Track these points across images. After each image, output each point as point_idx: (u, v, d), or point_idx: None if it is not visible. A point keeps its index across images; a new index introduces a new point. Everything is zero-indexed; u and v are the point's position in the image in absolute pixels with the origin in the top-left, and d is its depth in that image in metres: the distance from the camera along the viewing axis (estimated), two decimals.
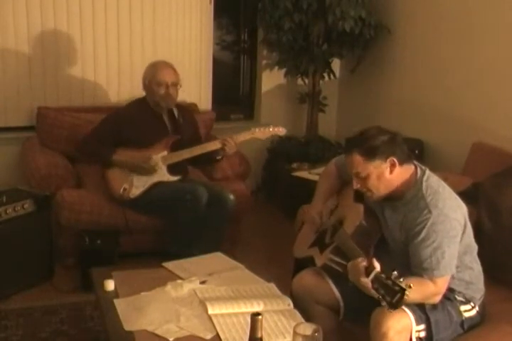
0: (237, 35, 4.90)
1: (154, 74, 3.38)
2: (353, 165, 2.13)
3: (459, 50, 3.72)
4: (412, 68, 4.15)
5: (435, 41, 3.90)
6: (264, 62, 4.76)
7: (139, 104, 3.47)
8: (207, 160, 3.54)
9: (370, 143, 2.09)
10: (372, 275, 1.90)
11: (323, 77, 4.62)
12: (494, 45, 3.44)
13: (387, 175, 2.11)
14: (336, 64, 4.70)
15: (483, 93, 3.54)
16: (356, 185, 2.17)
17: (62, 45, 4.04)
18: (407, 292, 1.79)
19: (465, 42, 3.66)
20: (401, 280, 1.83)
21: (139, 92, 4.00)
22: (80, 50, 4.09)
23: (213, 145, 3.37)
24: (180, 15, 4.30)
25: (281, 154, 4.49)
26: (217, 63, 4.61)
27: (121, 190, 3.33)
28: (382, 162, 2.09)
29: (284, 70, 4.64)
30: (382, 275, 1.87)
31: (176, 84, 3.39)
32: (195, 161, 3.49)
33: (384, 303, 1.84)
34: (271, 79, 4.78)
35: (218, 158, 3.45)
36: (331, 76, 4.65)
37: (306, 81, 4.63)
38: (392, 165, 2.10)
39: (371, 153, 2.09)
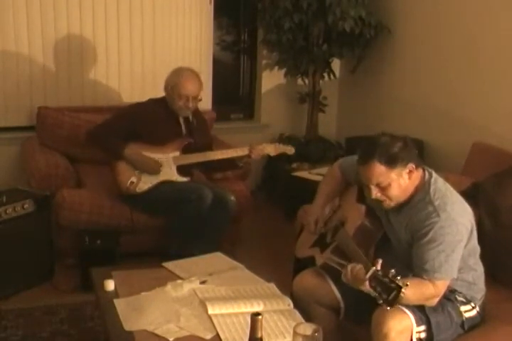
0: (237, 35, 4.90)
1: (178, 85, 3.33)
2: (373, 176, 2.08)
3: (459, 49, 3.71)
4: (412, 68, 4.15)
5: (435, 41, 3.90)
6: (264, 62, 4.76)
7: (158, 103, 3.45)
8: (227, 166, 3.52)
9: (390, 151, 2.06)
10: (370, 273, 1.90)
11: (323, 77, 4.62)
12: (494, 44, 3.44)
13: (406, 181, 2.10)
14: (336, 64, 4.70)
15: (483, 93, 3.54)
16: (376, 194, 2.11)
17: (62, 45, 4.03)
18: (403, 289, 1.80)
19: (465, 42, 3.66)
20: (398, 278, 1.83)
21: (139, 92, 4.00)
22: (79, 50, 4.08)
23: (240, 152, 3.34)
24: (180, 16, 4.30)
25: (281, 154, 4.48)
26: (217, 63, 4.61)
27: (129, 183, 3.33)
28: (402, 169, 2.07)
29: (284, 70, 4.64)
30: (380, 273, 1.88)
31: (196, 97, 3.37)
32: (209, 166, 3.46)
33: (380, 301, 1.85)
34: (271, 79, 4.78)
35: (240, 165, 3.42)
36: (331, 76, 4.65)
37: (306, 81, 4.62)
38: (411, 171, 2.09)
39: (393, 161, 2.05)
